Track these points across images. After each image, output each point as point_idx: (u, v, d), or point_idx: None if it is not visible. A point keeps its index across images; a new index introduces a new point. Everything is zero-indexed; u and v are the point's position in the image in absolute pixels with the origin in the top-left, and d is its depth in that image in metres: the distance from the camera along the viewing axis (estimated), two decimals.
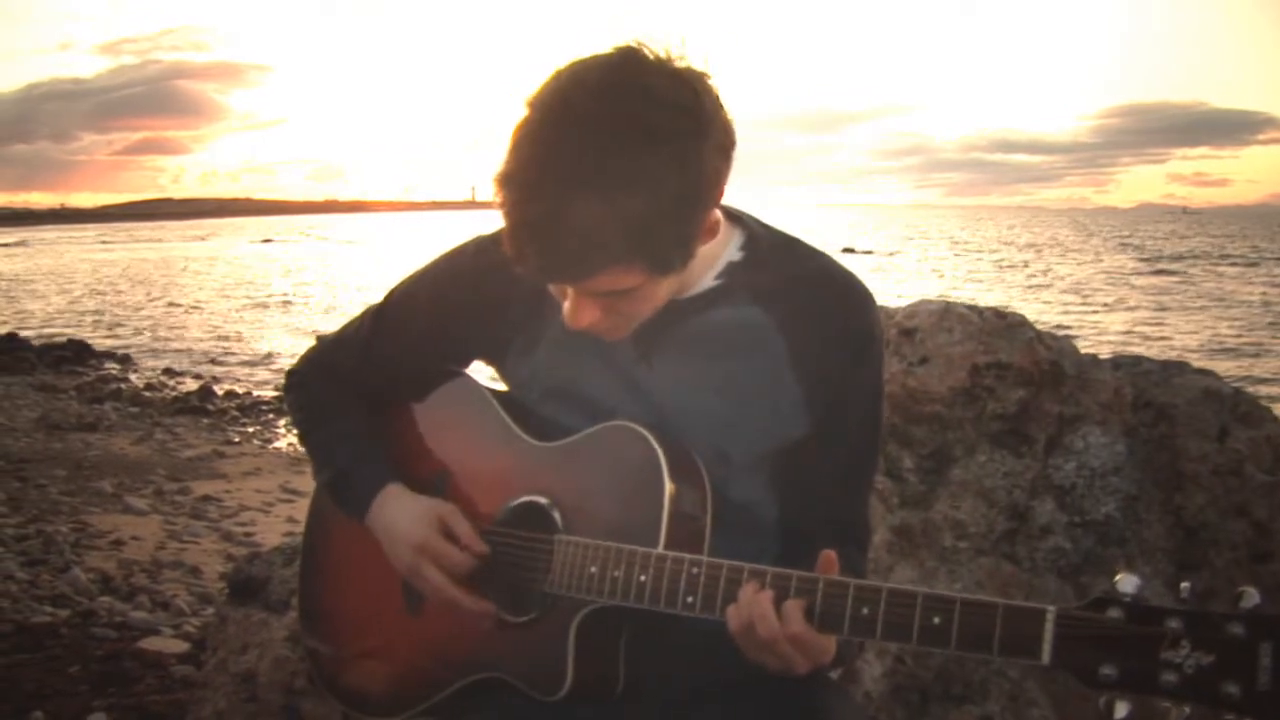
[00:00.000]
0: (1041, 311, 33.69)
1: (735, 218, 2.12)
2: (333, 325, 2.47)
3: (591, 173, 1.70)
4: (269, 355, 26.03)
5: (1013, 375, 3.42)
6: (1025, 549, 3.37)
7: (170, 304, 40.66)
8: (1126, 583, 1.60)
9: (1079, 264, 63.14)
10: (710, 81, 1.80)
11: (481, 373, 2.31)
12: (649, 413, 2.05)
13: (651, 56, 1.76)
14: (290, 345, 26.56)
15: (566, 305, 1.90)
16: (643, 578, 1.90)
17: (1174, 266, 58.72)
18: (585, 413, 2.09)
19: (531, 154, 1.74)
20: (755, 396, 2.04)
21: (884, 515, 3.36)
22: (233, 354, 26.76)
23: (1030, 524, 3.38)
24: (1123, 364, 3.58)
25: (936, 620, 1.68)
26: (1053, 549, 3.34)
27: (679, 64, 1.77)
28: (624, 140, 1.70)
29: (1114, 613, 1.58)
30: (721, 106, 1.80)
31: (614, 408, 2.07)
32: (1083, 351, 3.57)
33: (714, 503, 1.99)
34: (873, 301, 2.10)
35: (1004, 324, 3.49)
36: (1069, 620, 1.60)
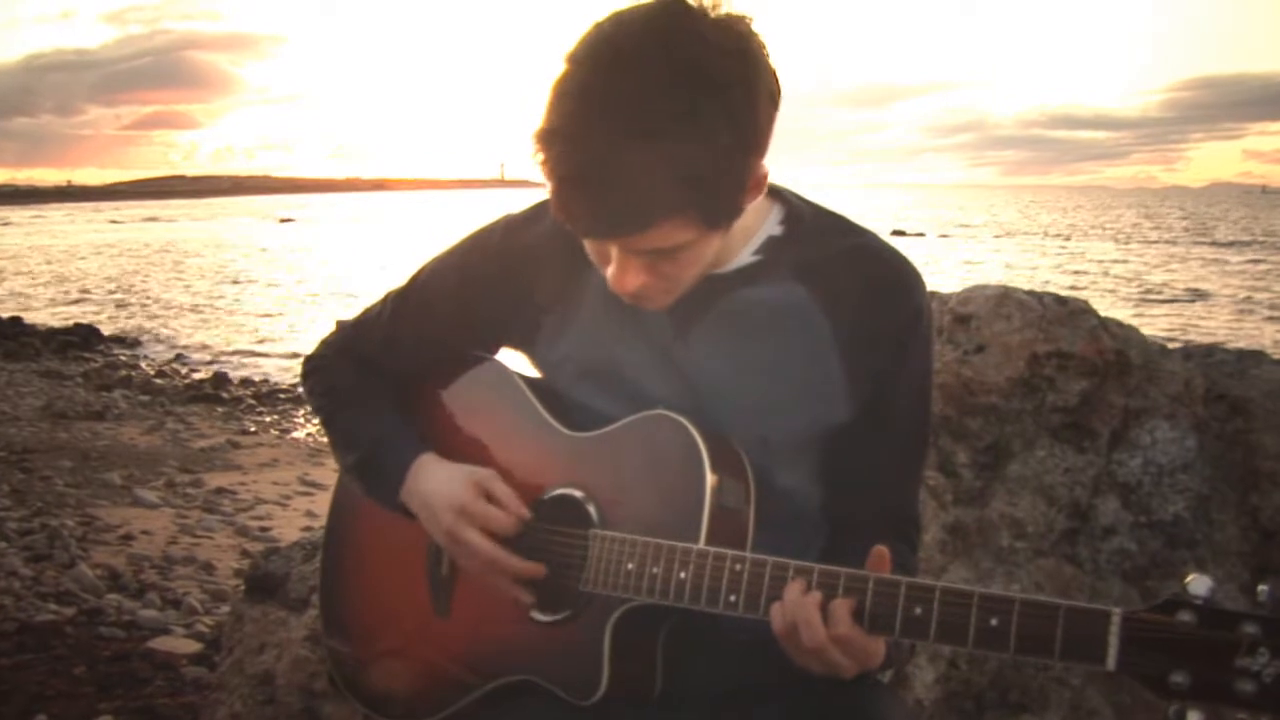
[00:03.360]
0: (1106, 300, 33.45)
1: (774, 192, 2.13)
2: (354, 310, 2.48)
3: (643, 120, 1.71)
4: (288, 341, 26.12)
5: (1075, 365, 3.40)
6: (1087, 550, 3.35)
7: (184, 286, 40.86)
8: (1199, 584, 1.58)
9: (1145, 247, 62.72)
10: (754, 28, 1.82)
11: (509, 358, 2.32)
12: (685, 393, 2.06)
13: (695, 4, 1.78)
14: (311, 330, 26.63)
15: (611, 269, 1.91)
16: (682, 575, 1.90)
17: (1249, 252, 58.23)
18: (620, 395, 2.10)
19: (578, 104, 1.75)
20: (796, 378, 2.04)
21: (937, 513, 3.36)
22: (250, 339, 26.85)
23: (1093, 524, 3.36)
24: (1194, 354, 3.56)
25: (994, 622, 1.67)
26: (1117, 550, 3.33)
27: (723, 11, 1.79)
28: (676, 86, 1.71)
29: (1185, 616, 1.56)
30: (768, 54, 1.83)
31: (650, 389, 2.08)
32: (1150, 340, 3.55)
33: (757, 495, 1.99)
34: (921, 281, 2.10)
35: (1066, 311, 3.47)
36: (1136, 623, 1.58)
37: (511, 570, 2.11)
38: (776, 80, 1.84)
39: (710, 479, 1.93)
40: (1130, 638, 1.58)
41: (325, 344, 2.47)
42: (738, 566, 1.87)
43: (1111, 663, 1.59)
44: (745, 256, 2.07)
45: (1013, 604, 1.66)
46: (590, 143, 1.73)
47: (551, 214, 2.16)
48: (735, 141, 1.77)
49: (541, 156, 1.79)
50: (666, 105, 1.71)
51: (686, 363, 2.07)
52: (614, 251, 1.88)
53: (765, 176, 1.90)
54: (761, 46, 1.81)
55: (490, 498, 2.14)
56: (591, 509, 2.06)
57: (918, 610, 1.73)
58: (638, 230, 1.80)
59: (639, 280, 1.90)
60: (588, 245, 1.95)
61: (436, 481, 2.20)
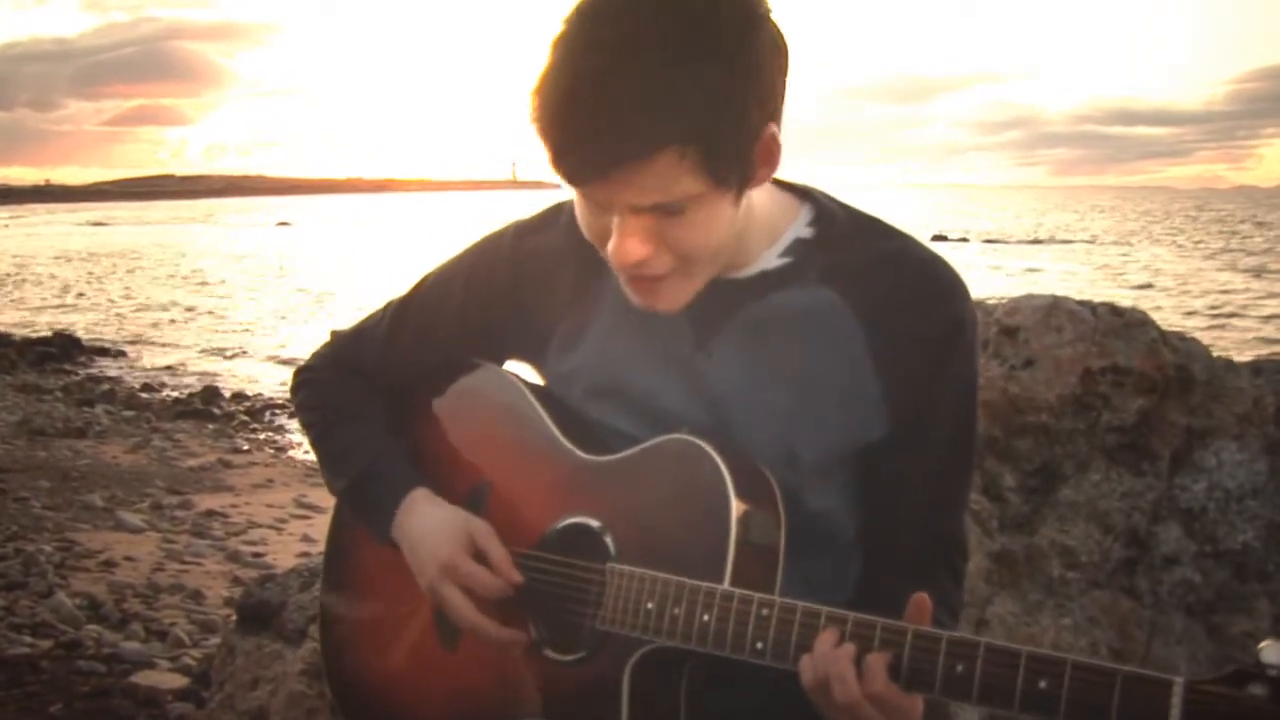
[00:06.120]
0: (1166, 311, 33.35)
1: (804, 193, 2.13)
2: (354, 321, 2.48)
3: (636, 49, 1.74)
4: (283, 352, 26.16)
5: (1132, 381, 3.39)
6: (1147, 581, 3.34)
7: (172, 294, 40.99)
8: (1271, 652, 1.53)
9: (1210, 253, 62.61)
10: None
11: (517, 368, 2.32)
12: (706, 408, 2.06)
13: None
14: (307, 343, 26.65)
15: (612, 240, 1.89)
16: (706, 617, 1.89)
17: None
18: (636, 410, 2.10)
19: (572, 42, 1.80)
20: (827, 390, 2.03)
21: (982, 540, 3.35)
22: (242, 351, 26.92)
23: (1153, 553, 3.35)
24: (1264, 369, 3.54)
25: (1043, 684, 1.65)
26: (1180, 582, 3.31)
27: None
28: (669, 19, 1.75)
29: (1257, 689, 1.53)
30: (772, 11, 1.86)
31: (668, 403, 2.08)
32: (1215, 355, 3.54)
33: (788, 521, 1.98)
34: (964, 289, 2.09)
35: (1122, 322, 3.46)
36: (1201, 695, 1.55)
37: (491, 638, 2.12)
38: (783, 39, 1.87)
39: (736, 512, 1.92)
40: (1194, 710, 1.55)
41: (318, 355, 2.48)
42: (765, 611, 1.85)
43: None
44: (771, 259, 2.06)
45: (1064, 666, 1.65)
46: (583, 74, 1.76)
47: (562, 220, 2.17)
48: (733, 76, 1.78)
49: (535, 106, 1.82)
50: (660, 34, 1.74)
51: (708, 374, 2.07)
52: (615, 218, 1.87)
53: (777, 141, 1.90)
54: (767, 3, 1.85)
55: (481, 556, 2.15)
56: (609, 540, 2.05)
57: (959, 668, 1.72)
58: (635, 157, 1.78)
59: (643, 249, 1.88)
60: (588, 221, 1.94)
61: (427, 526, 2.21)
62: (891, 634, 1.77)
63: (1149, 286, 43.54)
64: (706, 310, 2.03)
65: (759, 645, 1.85)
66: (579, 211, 1.95)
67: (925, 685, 1.74)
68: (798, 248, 2.07)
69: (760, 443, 2.03)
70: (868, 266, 2.05)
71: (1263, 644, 1.55)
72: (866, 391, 2.03)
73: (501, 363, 2.33)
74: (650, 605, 1.94)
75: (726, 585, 1.89)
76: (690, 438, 1.99)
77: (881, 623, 1.78)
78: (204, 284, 45.58)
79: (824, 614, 1.82)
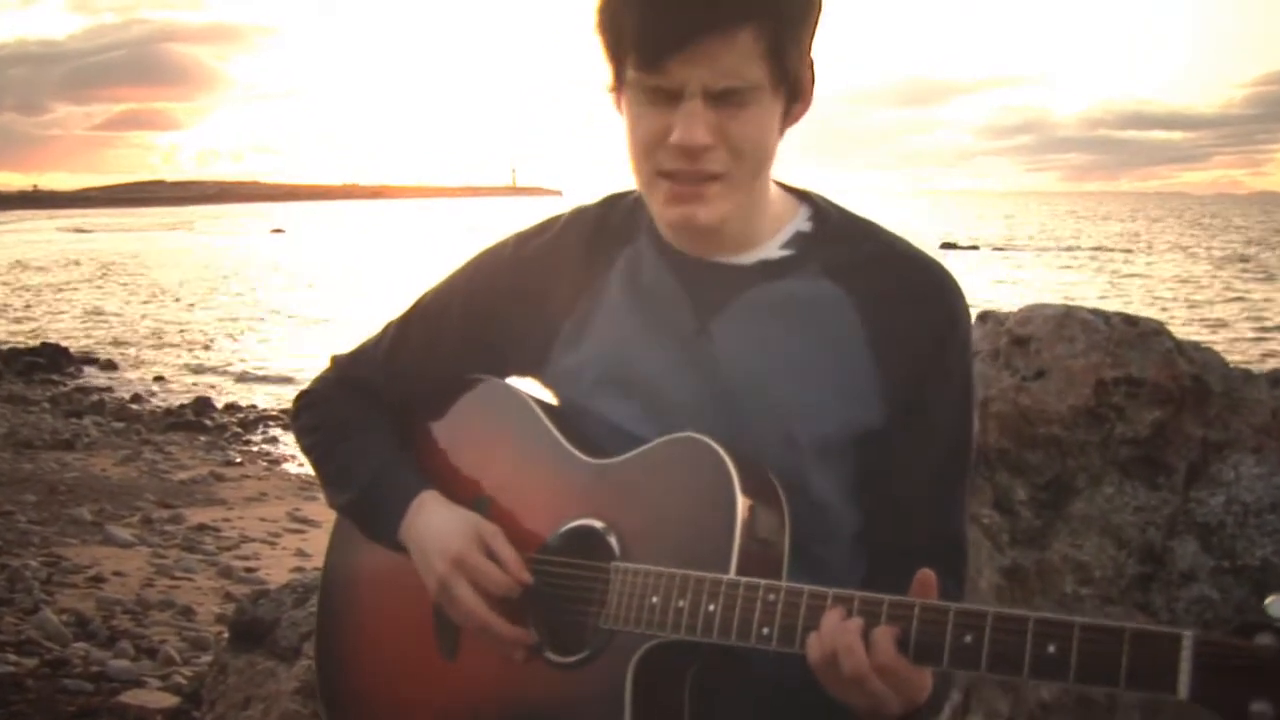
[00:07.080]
0: (1181, 322, 33.33)
1: (802, 194, 2.22)
2: (351, 336, 2.50)
3: None
4: (278, 365, 26.14)
5: (1147, 392, 3.39)
6: (1162, 598, 3.33)
7: (162, 303, 41.02)
8: (1279, 606, 1.57)
9: (1226, 260, 62.62)
10: None
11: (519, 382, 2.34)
12: (708, 393, 2.10)
13: None
14: (302, 352, 26.64)
15: (677, 130, 1.96)
16: (711, 607, 1.91)
17: None
18: (640, 400, 2.14)
19: None
20: (827, 376, 2.08)
21: (992, 554, 3.35)
22: (235, 361, 26.91)
23: (1168, 568, 3.35)
24: None
25: (1052, 649, 1.67)
26: (1197, 599, 3.31)
27: None
28: None
29: (1265, 639, 1.56)
30: None
31: (671, 391, 2.11)
32: (1232, 365, 3.53)
33: (791, 517, 2.00)
34: (957, 286, 2.16)
35: (1136, 332, 3.46)
36: (1211, 647, 1.58)
37: (498, 636, 2.13)
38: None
39: (742, 505, 1.94)
40: (1205, 663, 1.58)
41: (319, 379, 2.50)
42: (771, 597, 1.88)
43: (1184, 690, 1.58)
44: (773, 249, 2.14)
45: (1072, 628, 1.67)
46: None
47: (560, 224, 2.23)
48: None
49: (602, 12, 1.98)
50: None
51: (710, 358, 2.11)
52: (682, 107, 1.94)
53: (814, 72, 2.04)
54: None
55: (491, 554, 2.16)
56: (613, 540, 2.07)
57: (968, 638, 1.74)
58: (722, 26, 1.89)
59: (707, 136, 1.95)
60: (645, 123, 2.01)
61: (436, 525, 2.22)
62: (899, 608, 1.80)
63: (1163, 295, 43.56)
64: (708, 292, 2.11)
65: (765, 631, 1.87)
66: (633, 119, 2.03)
67: (934, 657, 1.77)
68: (798, 241, 2.15)
69: (759, 424, 2.07)
70: (865, 263, 2.13)
71: (1269, 599, 1.59)
72: (864, 382, 2.09)
73: (503, 377, 2.35)
74: (655, 600, 1.97)
75: (732, 576, 1.92)
76: (696, 436, 2.02)
77: (888, 599, 1.81)
78: (192, 293, 45.61)
79: (830, 594, 1.85)
